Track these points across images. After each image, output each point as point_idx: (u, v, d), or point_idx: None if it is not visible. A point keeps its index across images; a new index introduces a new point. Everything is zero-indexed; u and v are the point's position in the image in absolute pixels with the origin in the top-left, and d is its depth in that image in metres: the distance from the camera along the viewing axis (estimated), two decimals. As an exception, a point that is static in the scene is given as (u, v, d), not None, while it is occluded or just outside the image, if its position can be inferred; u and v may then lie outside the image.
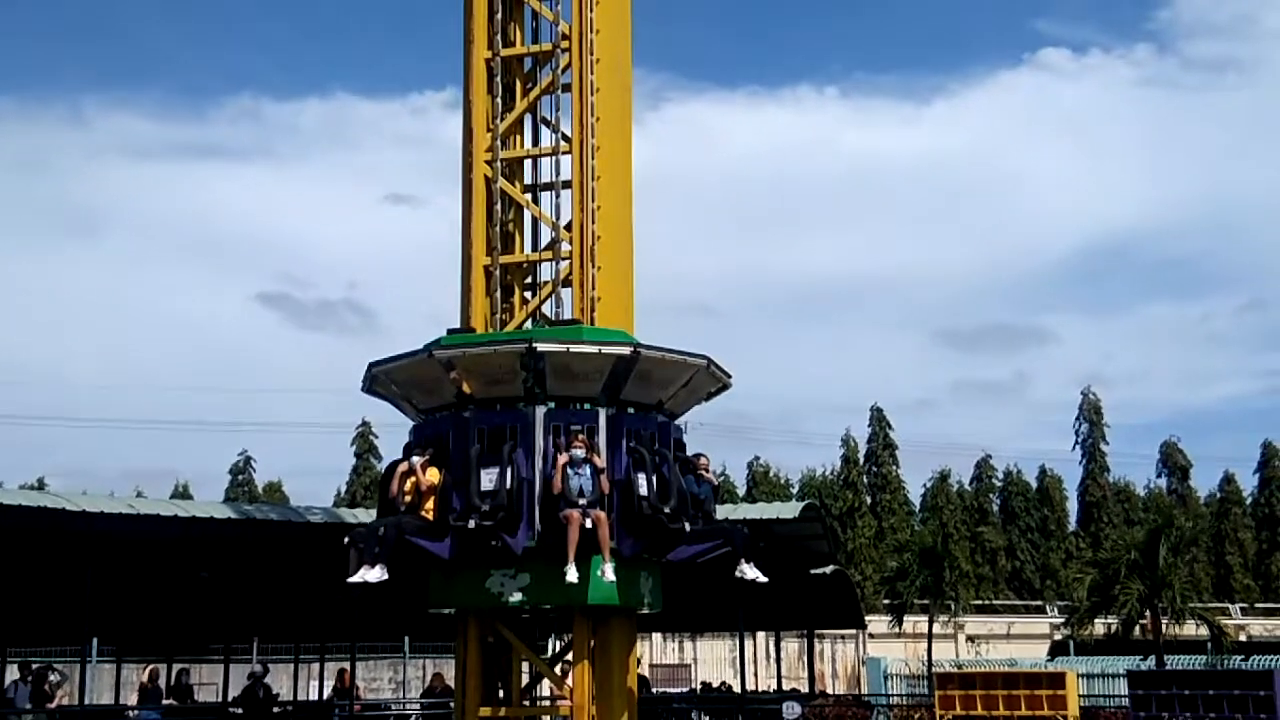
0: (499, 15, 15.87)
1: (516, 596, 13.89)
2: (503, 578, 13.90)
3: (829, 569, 29.16)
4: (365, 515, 25.20)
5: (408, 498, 13.93)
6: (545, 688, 17.14)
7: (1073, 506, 67.60)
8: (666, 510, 13.90)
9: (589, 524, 13.35)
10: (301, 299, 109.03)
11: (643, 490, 13.84)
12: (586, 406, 14.16)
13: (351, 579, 13.57)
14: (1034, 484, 67.56)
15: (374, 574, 13.37)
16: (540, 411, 13.94)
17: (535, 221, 16.30)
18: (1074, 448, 68.10)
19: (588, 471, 13.56)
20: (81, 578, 20.21)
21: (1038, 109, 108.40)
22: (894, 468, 66.12)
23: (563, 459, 13.49)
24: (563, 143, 15.97)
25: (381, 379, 14.84)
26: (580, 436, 13.71)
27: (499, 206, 15.70)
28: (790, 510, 27.04)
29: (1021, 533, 65.73)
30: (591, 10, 15.60)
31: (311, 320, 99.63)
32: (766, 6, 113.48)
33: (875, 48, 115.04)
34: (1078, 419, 68.05)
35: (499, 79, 15.84)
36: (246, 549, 23.11)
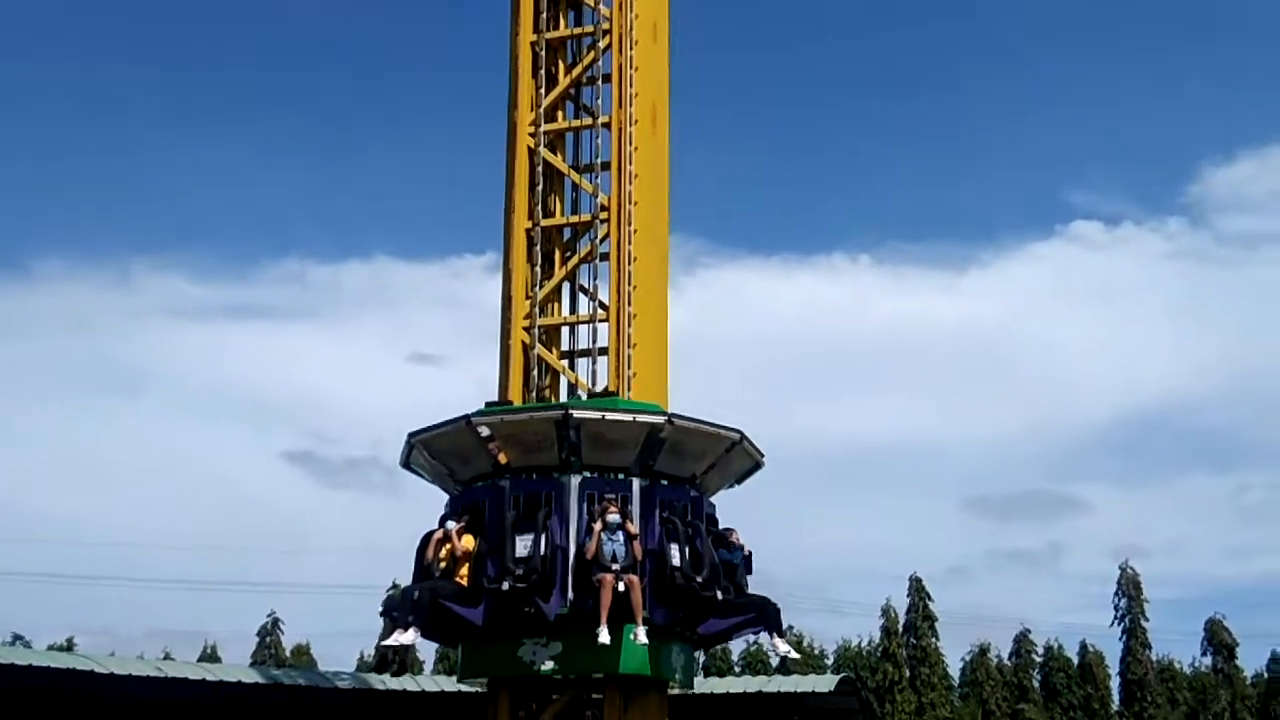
0: (540, 186, 16.40)
1: (548, 665, 13.90)
2: (535, 647, 13.95)
3: (866, 746, 28.37)
4: (395, 682, 24.97)
5: (442, 564, 14.08)
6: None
7: (1115, 684, 65.76)
8: (699, 580, 13.96)
9: (622, 587, 13.44)
10: (328, 457, 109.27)
11: (675, 560, 13.96)
12: (620, 476, 14.33)
13: (384, 643, 13.78)
14: (1075, 660, 65.92)
15: (407, 637, 13.50)
16: (575, 480, 14.14)
17: (572, 387, 16.52)
18: (1113, 624, 66.57)
19: (621, 537, 13.71)
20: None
21: (1070, 279, 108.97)
22: (933, 640, 64.72)
23: (598, 525, 13.64)
24: (600, 310, 16.28)
25: (419, 450, 15.05)
26: (613, 502, 13.86)
27: (536, 371, 15.96)
28: (826, 683, 26.47)
29: (1063, 711, 63.84)
30: (630, 183, 16.12)
31: (338, 478, 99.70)
32: (800, 176, 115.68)
33: (909, 217, 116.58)
34: (1117, 594, 66.61)
35: (538, 247, 16.26)
36: (274, 714, 22.83)
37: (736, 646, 60.04)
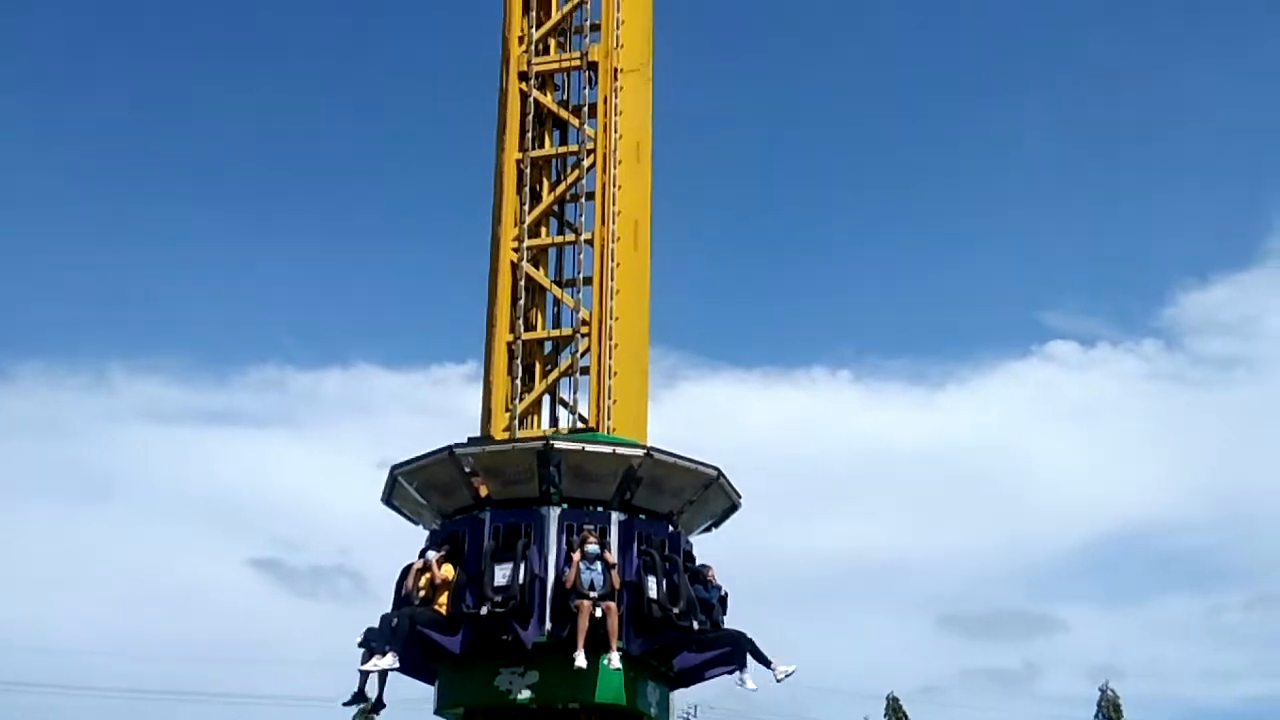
0: (521, 301, 16.70)
1: (525, 694, 13.99)
2: (511, 676, 14.02)
3: None
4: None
5: (422, 592, 14.20)
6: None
7: (1097, 809, 64.69)
8: (675, 611, 14.15)
9: (599, 614, 13.62)
10: (294, 564, 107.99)
11: (652, 593, 14.15)
12: (599, 509, 14.53)
13: (363, 667, 13.83)
14: (1056, 784, 64.95)
15: (385, 661, 13.62)
16: (555, 512, 14.34)
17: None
18: (1094, 746, 65.62)
19: (599, 567, 13.93)
20: None
21: (1047, 398, 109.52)
22: (912, 761, 63.54)
23: (577, 555, 13.87)
24: (579, 423, 16.53)
25: (402, 483, 15.21)
26: (592, 532, 14.12)
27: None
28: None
29: (1045, 836, 62.83)
30: (611, 299, 16.43)
31: (304, 586, 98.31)
32: (781, 290, 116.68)
33: (887, 333, 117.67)
34: (1097, 716, 65.82)
35: (519, 360, 16.48)
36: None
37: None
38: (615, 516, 14.47)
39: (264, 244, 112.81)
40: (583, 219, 16.95)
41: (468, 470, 14.53)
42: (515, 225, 16.90)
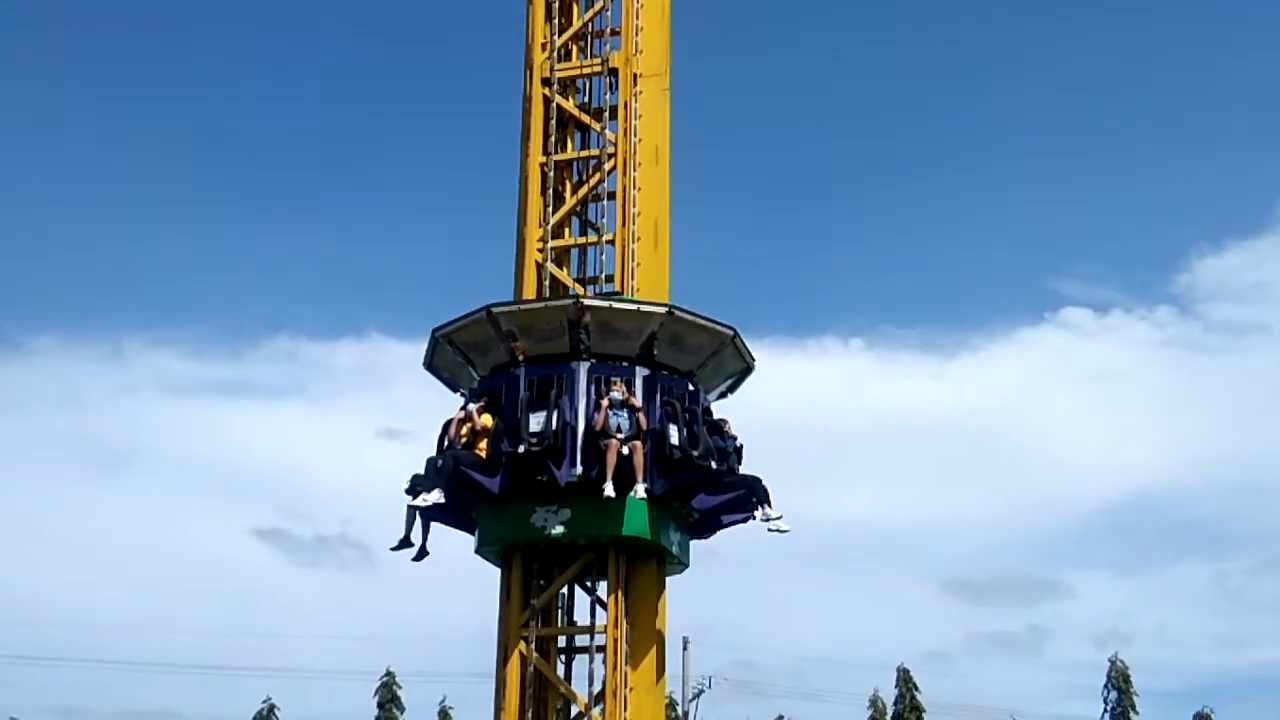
0: (544, 289, 17.28)
1: (558, 530, 15.31)
2: (546, 513, 15.36)
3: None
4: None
5: (464, 440, 15.58)
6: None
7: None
8: (695, 453, 15.46)
9: (626, 451, 14.96)
10: (299, 534, 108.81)
11: (674, 439, 15.43)
12: (625, 364, 15.83)
13: (412, 503, 15.32)
14: (1064, 752, 65.76)
15: (433, 496, 15.10)
16: (584, 366, 15.66)
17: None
18: (1103, 716, 66.47)
19: (625, 412, 15.26)
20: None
21: (1060, 366, 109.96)
22: (921, 731, 64.39)
23: (605, 401, 15.19)
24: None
25: (442, 344, 16.55)
26: (618, 382, 15.47)
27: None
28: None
29: (1054, 803, 63.64)
30: (634, 279, 17.16)
31: (309, 556, 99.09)
32: (794, 259, 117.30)
33: (900, 302, 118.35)
34: (1106, 686, 66.66)
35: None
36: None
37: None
38: (640, 371, 15.74)
39: (280, 216, 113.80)
40: (604, 219, 17.82)
41: (504, 329, 15.79)
42: (539, 226, 17.56)
